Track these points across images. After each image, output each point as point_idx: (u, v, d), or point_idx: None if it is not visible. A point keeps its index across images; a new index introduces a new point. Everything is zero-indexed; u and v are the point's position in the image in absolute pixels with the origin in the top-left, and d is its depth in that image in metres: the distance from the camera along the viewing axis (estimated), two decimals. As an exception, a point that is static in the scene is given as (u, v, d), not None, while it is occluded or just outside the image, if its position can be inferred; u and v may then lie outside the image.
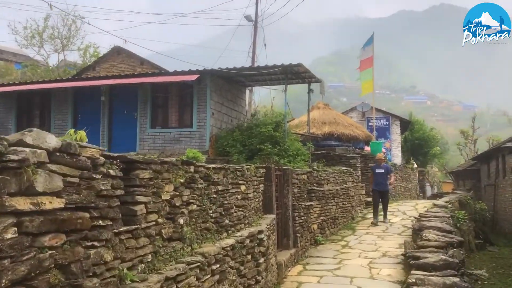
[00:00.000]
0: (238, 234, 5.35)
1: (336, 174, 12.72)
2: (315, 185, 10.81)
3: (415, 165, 25.73)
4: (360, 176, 15.64)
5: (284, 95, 13.13)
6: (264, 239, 5.92)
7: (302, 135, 14.98)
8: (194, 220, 4.30)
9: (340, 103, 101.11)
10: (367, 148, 19.69)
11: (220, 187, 5.06)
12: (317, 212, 10.61)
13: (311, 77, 14.10)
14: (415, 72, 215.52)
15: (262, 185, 7.04)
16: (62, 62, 29.43)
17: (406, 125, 29.28)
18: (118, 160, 2.93)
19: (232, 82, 14.75)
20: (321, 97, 20.01)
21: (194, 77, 12.54)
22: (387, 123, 27.61)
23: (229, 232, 5.26)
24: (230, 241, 4.87)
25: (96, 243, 2.52)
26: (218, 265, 4.38)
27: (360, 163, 16.18)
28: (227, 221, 5.20)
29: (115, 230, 2.82)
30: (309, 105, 15.84)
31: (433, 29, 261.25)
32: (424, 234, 8.89)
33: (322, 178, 11.44)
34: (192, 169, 4.29)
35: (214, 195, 4.90)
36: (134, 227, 3.11)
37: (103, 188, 2.63)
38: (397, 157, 26.98)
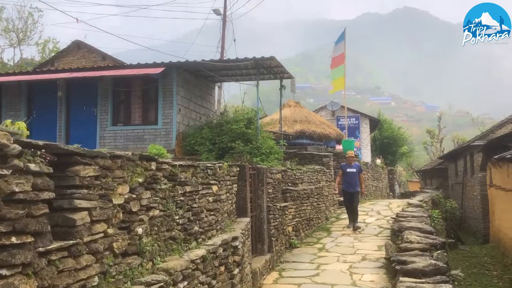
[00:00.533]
0: (210, 242, 4.60)
1: (310, 173, 12.13)
2: (289, 184, 10.17)
3: (378, 161, 25.45)
4: (333, 175, 15.15)
5: (256, 90, 12.43)
6: (239, 246, 5.18)
7: (274, 133, 14.33)
8: (156, 228, 3.51)
9: (307, 104, 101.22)
10: (338, 147, 19.32)
11: (188, 188, 4.29)
12: (292, 213, 9.98)
13: (283, 72, 13.49)
14: (380, 74, 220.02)
15: (236, 185, 6.31)
16: (20, 61, 27.68)
17: (375, 124, 29.23)
18: (44, 150, 2.11)
19: (200, 77, 13.96)
20: (292, 95, 19.48)
21: (158, 70, 11.72)
22: (357, 122, 27.44)
23: (199, 240, 4.49)
24: (200, 251, 4.10)
25: (4, 271, 1.72)
26: (186, 283, 3.60)
27: (332, 162, 15.70)
28: (196, 228, 4.43)
29: (41, 249, 2.01)
30: (281, 102, 15.25)
31: (397, 32, 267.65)
32: (405, 236, 8.40)
33: (296, 177, 10.82)
34: (153, 166, 3.50)
35: (181, 198, 4.13)
36: (72, 242, 2.30)
37: (18, 190, 1.82)
38: (366, 156, 26.82)
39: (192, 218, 4.35)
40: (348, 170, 11.63)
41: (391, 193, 25.71)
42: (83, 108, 13.37)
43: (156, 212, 3.51)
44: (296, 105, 19.46)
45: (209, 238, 4.76)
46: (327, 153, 15.77)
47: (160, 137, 12.31)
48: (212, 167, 5.14)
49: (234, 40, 18.62)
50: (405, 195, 28.54)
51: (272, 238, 8.35)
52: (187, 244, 4.15)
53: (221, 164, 5.59)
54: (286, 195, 9.68)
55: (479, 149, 17.10)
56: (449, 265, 7.64)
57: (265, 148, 11.36)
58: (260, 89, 12.64)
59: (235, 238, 5.09)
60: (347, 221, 12.16)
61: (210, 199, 4.94)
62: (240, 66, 12.63)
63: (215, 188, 5.12)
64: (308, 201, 11.21)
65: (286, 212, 9.49)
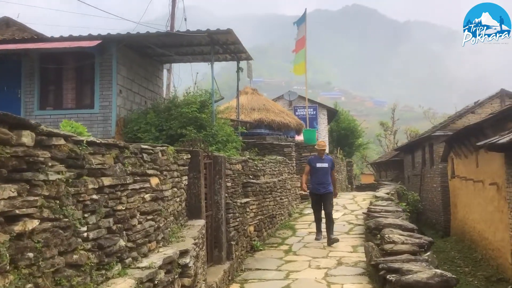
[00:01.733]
0: (145, 263, 2.99)
1: (272, 164, 10.72)
2: (251, 177, 8.68)
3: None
4: (295, 167, 13.86)
5: (211, 69, 10.82)
6: (190, 264, 3.61)
7: (232, 120, 12.79)
8: (33, 254, 1.88)
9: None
10: (298, 137, 18.11)
11: (107, 181, 2.68)
12: (254, 210, 8.50)
13: (241, 51, 11.96)
14: (330, 69, 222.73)
15: (186, 177, 4.72)
16: None
17: (332, 115, 28.41)
18: None
19: (146, 57, 12.18)
20: (249, 81, 18.02)
21: (94, 43, 9.89)
22: (315, 112, 26.44)
23: (127, 261, 2.87)
24: (126, 283, 2.50)
25: None
26: None
27: (294, 153, 14.41)
28: (122, 243, 2.81)
29: None
30: (238, 86, 13.71)
31: (346, 28, 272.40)
32: (386, 235, 7.14)
33: (258, 169, 9.35)
34: (26, 138, 1.86)
35: (94, 196, 2.51)
36: None
37: None
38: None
39: (114, 227, 2.74)
40: (319, 165, 8.98)
41: (349, 186, 24.93)
42: (3, 89, 11.45)
43: (33, 224, 1.88)
44: (254, 92, 17.98)
45: (145, 255, 3.15)
46: (288, 143, 14.46)
47: (97, 123, 10.52)
48: (151, 151, 3.53)
49: (185, 19, 16.79)
50: (361, 187, 27.98)
51: (232, 242, 6.84)
52: (103, 272, 2.52)
53: (164, 148, 3.99)
54: (247, 189, 8.18)
55: (444, 139, 16.41)
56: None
57: (221, 136, 9.83)
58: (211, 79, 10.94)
59: (184, 253, 3.51)
60: (311, 217, 10.30)
61: (147, 196, 3.33)
62: (192, 42, 10.98)
63: (154, 181, 3.52)
64: (271, 195, 9.78)
65: (248, 210, 8.00)
